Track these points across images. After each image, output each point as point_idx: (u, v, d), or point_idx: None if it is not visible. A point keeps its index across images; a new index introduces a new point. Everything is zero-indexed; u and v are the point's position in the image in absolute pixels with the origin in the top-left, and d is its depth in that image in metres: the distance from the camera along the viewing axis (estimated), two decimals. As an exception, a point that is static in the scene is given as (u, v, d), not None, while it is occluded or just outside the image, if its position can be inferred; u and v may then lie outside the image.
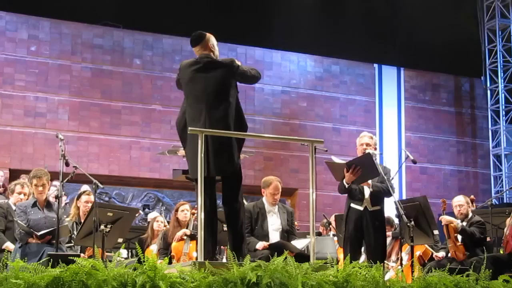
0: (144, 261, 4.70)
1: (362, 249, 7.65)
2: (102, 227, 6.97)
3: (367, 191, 7.42)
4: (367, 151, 7.48)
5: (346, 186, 7.32)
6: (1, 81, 14.16)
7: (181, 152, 6.51)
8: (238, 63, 6.00)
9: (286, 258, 5.00)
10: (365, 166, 7.20)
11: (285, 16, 16.29)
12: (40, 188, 7.24)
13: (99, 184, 7.15)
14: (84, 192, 8.45)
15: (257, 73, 6.15)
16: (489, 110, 18.14)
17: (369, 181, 7.36)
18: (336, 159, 7.51)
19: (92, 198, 8.18)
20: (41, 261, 5.30)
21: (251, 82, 6.27)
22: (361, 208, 7.40)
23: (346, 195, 7.52)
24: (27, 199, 7.76)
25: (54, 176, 8.13)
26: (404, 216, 7.25)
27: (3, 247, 7.42)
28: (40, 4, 14.60)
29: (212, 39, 6.04)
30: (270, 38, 16.40)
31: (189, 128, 5.56)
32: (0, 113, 14.05)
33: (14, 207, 7.73)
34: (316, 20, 16.24)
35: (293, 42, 16.52)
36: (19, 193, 8.05)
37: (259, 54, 16.39)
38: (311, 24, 16.19)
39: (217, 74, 5.90)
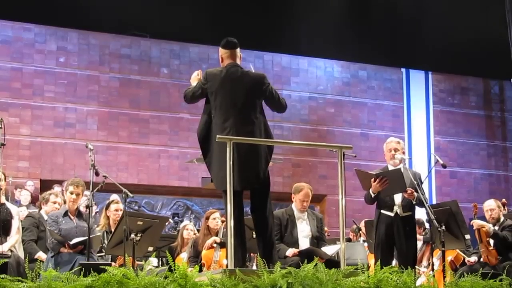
0: (174, 269, 4.72)
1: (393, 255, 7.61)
2: (132, 235, 7.00)
3: (397, 198, 7.38)
4: (396, 155, 7.45)
5: (372, 196, 7.31)
6: (31, 93, 14.32)
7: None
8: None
9: (316, 264, 5.00)
10: (393, 179, 7.16)
11: (311, 22, 16.27)
12: (74, 197, 7.31)
13: (128, 193, 7.19)
14: (112, 201, 8.52)
15: (286, 103, 6.14)
16: (519, 112, 17.99)
17: (415, 194, 7.30)
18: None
19: (121, 205, 8.25)
20: (73, 270, 5.34)
21: (278, 106, 6.11)
22: (391, 214, 7.36)
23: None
24: (59, 209, 7.83)
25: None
26: (435, 221, 7.19)
27: (36, 257, 7.48)
28: (68, 16, 14.75)
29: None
30: (297, 45, 16.39)
31: (217, 136, 5.55)
32: (30, 124, 14.21)
33: (45, 217, 7.80)
34: (342, 25, 16.19)
35: (320, 48, 16.48)
36: (54, 203, 8.14)
37: (285, 60, 16.39)
38: (337, 29, 16.15)
39: (248, 85, 5.88)
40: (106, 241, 7.69)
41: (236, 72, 5.91)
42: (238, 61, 6.00)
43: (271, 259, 5.58)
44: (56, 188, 10.71)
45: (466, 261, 8.95)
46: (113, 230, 7.71)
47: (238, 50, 6.02)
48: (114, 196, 9.94)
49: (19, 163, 13.94)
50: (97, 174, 7.11)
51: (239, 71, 5.93)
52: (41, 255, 7.54)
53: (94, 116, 14.70)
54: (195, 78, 6.15)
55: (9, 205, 7.59)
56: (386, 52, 16.69)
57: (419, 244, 9.20)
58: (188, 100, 6.12)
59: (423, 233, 9.59)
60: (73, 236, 7.14)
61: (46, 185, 12.99)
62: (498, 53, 16.74)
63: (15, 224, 7.40)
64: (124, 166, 14.72)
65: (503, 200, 9.92)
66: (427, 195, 9.15)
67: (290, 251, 7.21)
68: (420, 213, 8.50)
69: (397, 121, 16.96)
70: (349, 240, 10.84)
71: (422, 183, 7.51)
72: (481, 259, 8.63)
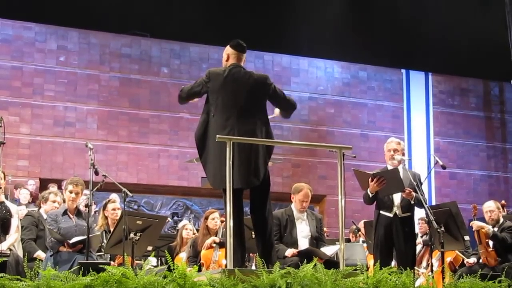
0: (173, 269, 4.72)
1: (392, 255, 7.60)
2: (131, 235, 6.99)
3: (396, 198, 7.38)
4: (395, 156, 7.45)
5: (370, 195, 7.31)
6: (31, 92, 14.32)
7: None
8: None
9: (315, 265, 4.99)
10: (390, 179, 7.16)
11: (311, 22, 16.27)
12: (73, 195, 7.30)
13: (128, 193, 7.19)
14: (109, 200, 8.52)
15: (294, 101, 6.12)
16: (518, 114, 18.00)
17: (413, 193, 7.30)
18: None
19: (117, 204, 8.26)
20: (72, 270, 5.33)
21: (285, 105, 6.11)
22: (390, 215, 7.36)
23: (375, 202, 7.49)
24: (58, 208, 7.83)
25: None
26: (434, 222, 7.19)
27: (35, 255, 7.48)
28: (68, 15, 14.75)
29: None
30: (297, 45, 16.39)
31: (217, 136, 5.54)
32: (30, 123, 14.21)
33: (45, 216, 7.80)
34: (342, 26, 16.19)
35: (320, 49, 16.49)
36: (53, 201, 8.14)
37: (286, 61, 16.39)
38: (337, 30, 16.15)
39: (250, 85, 5.88)
40: (105, 241, 7.69)
41: (239, 72, 5.92)
42: (242, 64, 6.01)
43: (270, 259, 5.58)
44: (51, 188, 10.68)
45: (465, 262, 8.94)
46: (111, 229, 7.70)
47: (245, 54, 6.05)
48: (113, 196, 9.94)
49: (18, 162, 13.94)
50: (96, 173, 7.11)
51: (242, 71, 5.94)
52: (40, 254, 7.53)
53: (94, 115, 14.70)
54: None
55: (8, 203, 7.59)
56: (386, 53, 16.70)
57: (419, 247, 9.20)
58: (183, 95, 6.08)
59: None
60: (72, 235, 7.13)
61: (45, 184, 12.97)
62: (498, 54, 16.75)
63: (14, 223, 7.40)
64: (123, 165, 14.72)
65: (503, 201, 9.90)
66: (426, 196, 9.14)
67: (289, 251, 7.21)
68: (421, 214, 8.50)
69: (397, 122, 16.97)
70: (348, 240, 10.84)
71: (421, 184, 7.51)
72: (480, 260, 8.62)
